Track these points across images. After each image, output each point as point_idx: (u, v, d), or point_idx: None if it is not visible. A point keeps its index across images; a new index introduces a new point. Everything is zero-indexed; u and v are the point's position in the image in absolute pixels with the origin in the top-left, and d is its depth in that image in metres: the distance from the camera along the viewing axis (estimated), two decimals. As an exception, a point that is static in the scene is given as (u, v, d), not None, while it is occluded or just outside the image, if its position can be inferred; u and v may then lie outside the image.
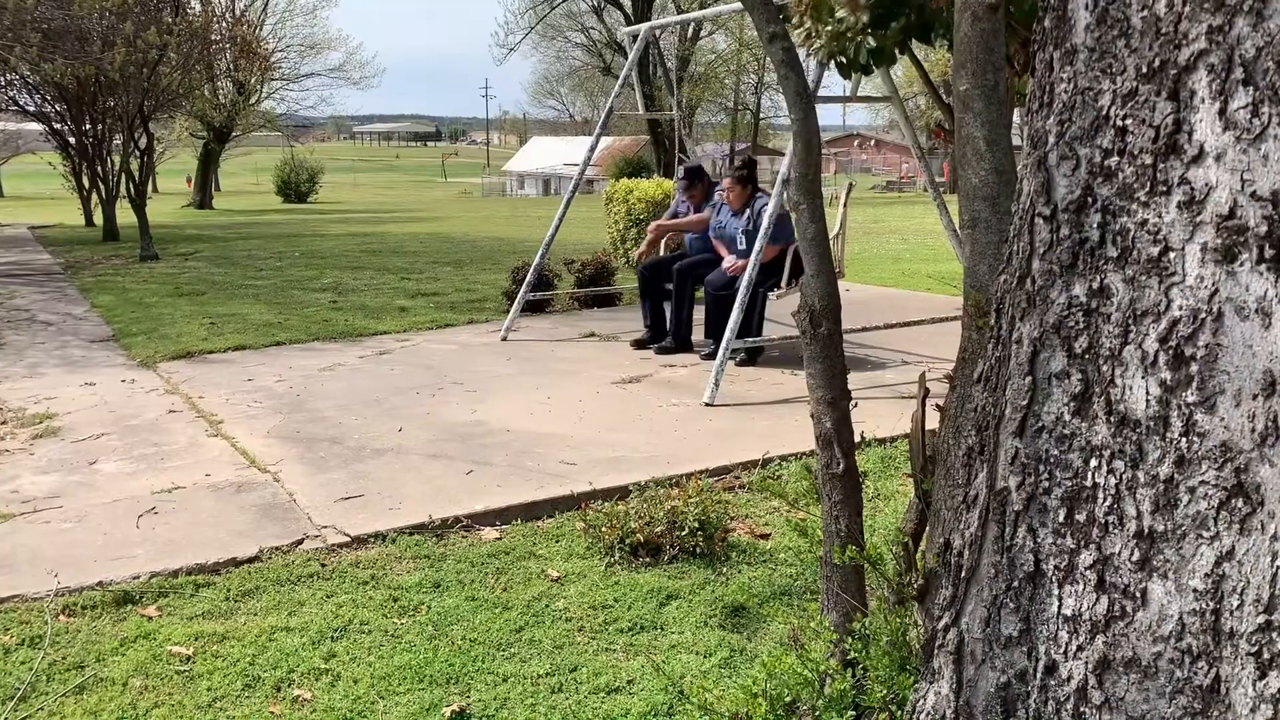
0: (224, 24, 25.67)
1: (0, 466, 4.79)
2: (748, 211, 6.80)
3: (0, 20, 11.90)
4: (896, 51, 5.06)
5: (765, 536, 3.95)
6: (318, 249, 15.16)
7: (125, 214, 16.57)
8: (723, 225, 7.03)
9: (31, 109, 18.68)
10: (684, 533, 3.72)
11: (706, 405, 5.77)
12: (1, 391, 6.28)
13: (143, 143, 15.69)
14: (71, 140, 18.29)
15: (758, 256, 6.29)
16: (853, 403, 2.88)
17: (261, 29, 33.29)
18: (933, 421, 2.49)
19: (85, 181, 20.11)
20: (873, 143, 67.99)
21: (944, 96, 7.81)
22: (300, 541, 3.86)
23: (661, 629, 3.21)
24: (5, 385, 6.45)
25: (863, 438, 2.86)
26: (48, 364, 7.13)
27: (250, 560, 3.70)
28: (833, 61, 5.20)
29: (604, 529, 3.78)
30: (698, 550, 3.70)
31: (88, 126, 16.99)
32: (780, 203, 6.31)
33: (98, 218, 18.96)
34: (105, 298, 10.19)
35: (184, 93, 17.28)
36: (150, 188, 18.49)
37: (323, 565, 3.67)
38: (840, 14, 4.81)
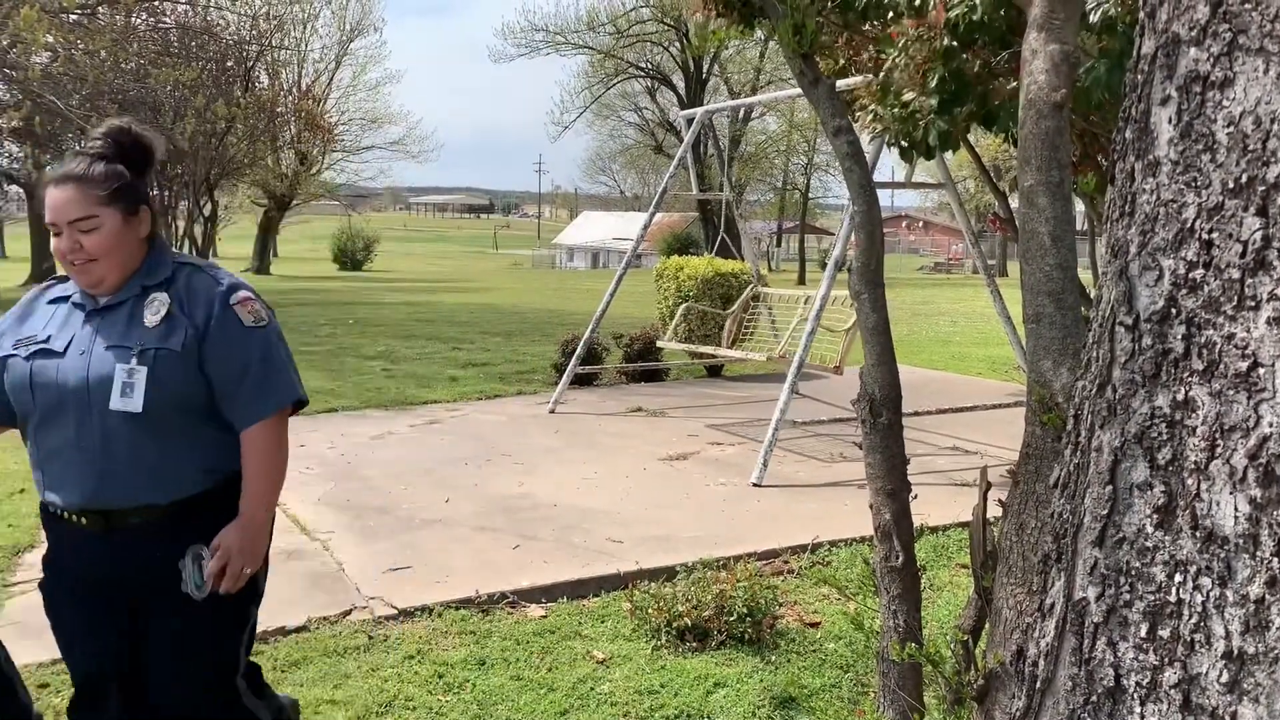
0: (290, 98, 26.55)
1: (58, 525, 4.86)
2: (153, 303, 2.30)
3: (80, 90, 12.47)
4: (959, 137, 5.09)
5: (815, 625, 3.88)
6: (371, 317, 15.42)
7: (186, 277, 17.01)
8: (44, 342, 2.24)
9: (103, 174, 19.37)
10: (732, 618, 3.67)
11: (754, 485, 5.73)
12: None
13: (207, 209, 16.22)
14: (139, 205, 18.89)
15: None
16: (912, 494, 2.85)
17: (325, 103, 34.39)
18: (992, 513, 2.45)
19: (150, 245, 20.70)
20: (921, 224, 68.23)
21: (996, 181, 7.83)
22: (348, 612, 3.86)
23: (708, 718, 3.15)
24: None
25: (921, 528, 2.82)
26: (107, 423, 7.27)
27: (298, 629, 3.71)
28: (894, 146, 5.25)
29: (651, 611, 3.74)
30: (746, 636, 3.65)
31: (155, 192, 17.57)
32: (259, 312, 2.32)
33: (160, 280, 19.47)
34: (164, 359, 10.40)
35: (249, 162, 17.86)
36: (211, 252, 19.03)
37: (369, 637, 3.67)
38: (906, 96, 4.87)
